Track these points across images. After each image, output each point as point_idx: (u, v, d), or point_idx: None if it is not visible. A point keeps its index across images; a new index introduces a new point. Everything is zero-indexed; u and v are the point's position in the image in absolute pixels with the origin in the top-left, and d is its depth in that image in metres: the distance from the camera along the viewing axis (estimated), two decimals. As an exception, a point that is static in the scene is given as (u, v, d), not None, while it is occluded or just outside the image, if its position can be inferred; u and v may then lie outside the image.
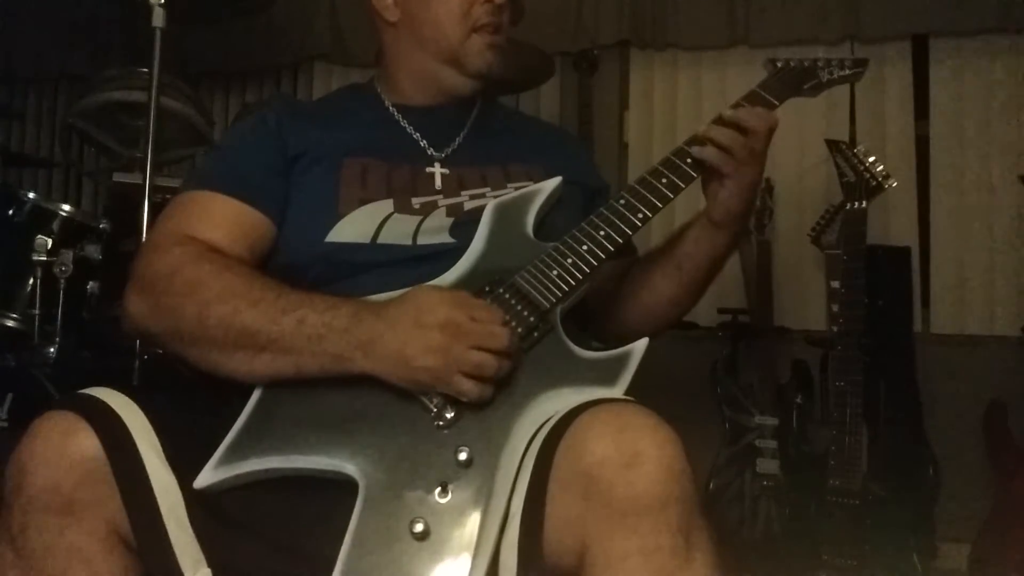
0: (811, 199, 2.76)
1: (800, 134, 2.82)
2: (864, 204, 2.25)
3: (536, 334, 1.04)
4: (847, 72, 1.36)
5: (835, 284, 2.29)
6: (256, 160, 1.22)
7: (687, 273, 1.25)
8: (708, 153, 1.16)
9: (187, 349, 1.08)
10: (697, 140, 1.17)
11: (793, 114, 2.78)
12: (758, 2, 2.85)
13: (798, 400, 2.40)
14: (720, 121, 1.18)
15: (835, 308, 2.28)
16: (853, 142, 2.70)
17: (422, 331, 0.97)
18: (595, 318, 1.35)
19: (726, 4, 2.88)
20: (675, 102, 2.97)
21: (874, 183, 2.24)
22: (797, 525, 2.25)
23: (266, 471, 0.98)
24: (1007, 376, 2.58)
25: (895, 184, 2.29)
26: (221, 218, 1.16)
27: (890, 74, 2.81)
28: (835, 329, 2.26)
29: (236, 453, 0.98)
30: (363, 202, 1.19)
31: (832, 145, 2.33)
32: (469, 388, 0.97)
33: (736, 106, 1.21)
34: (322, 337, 1.00)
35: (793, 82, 1.31)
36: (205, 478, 0.96)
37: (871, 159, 2.26)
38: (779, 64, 1.34)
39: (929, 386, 2.53)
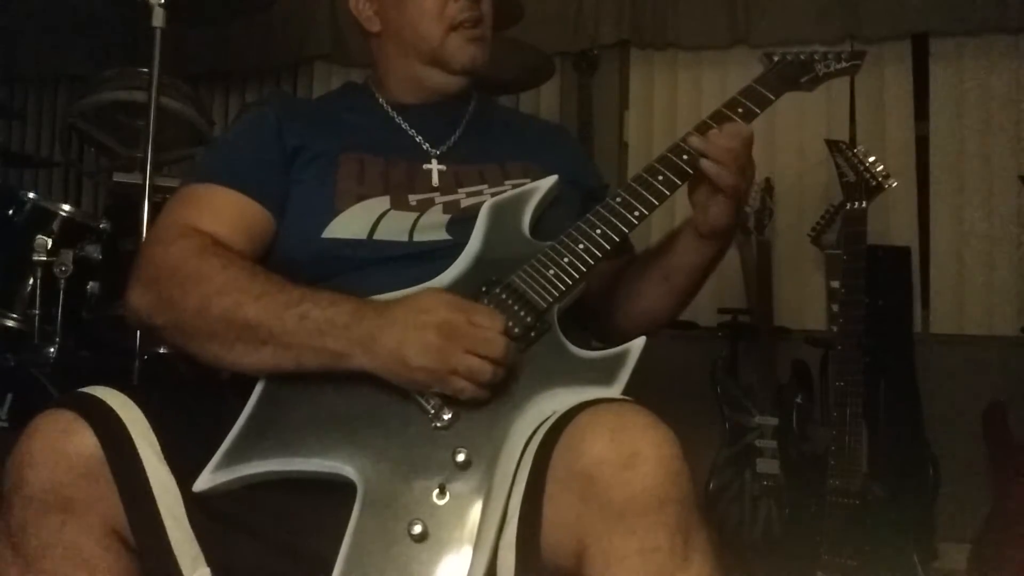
0: (811, 199, 2.76)
1: (800, 134, 2.82)
2: (864, 204, 2.25)
3: (533, 334, 1.04)
4: (844, 65, 1.34)
5: (835, 284, 2.29)
6: (256, 156, 1.22)
7: (674, 283, 1.25)
8: (710, 170, 1.13)
9: (188, 341, 1.08)
10: (681, 149, 1.16)
11: (793, 114, 2.79)
12: (758, 2, 2.85)
13: (798, 400, 2.40)
14: (698, 141, 1.15)
15: (835, 308, 2.28)
16: (853, 142, 2.70)
17: (420, 331, 0.97)
18: (593, 317, 1.35)
19: (726, 4, 2.88)
20: (675, 102, 2.98)
21: (874, 183, 2.24)
22: (797, 525, 2.25)
23: (265, 474, 0.97)
24: (1007, 376, 2.58)
25: (895, 184, 2.29)
26: (224, 211, 1.17)
27: (890, 74, 2.81)
28: (835, 329, 2.26)
29: (235, 456, 0.98)
30: (360, 198, 1.19)
31: (832, 145, 2.33)
32: (464, 387, 0.97)
33: (720, 113, 1.19)
34: (323, 333, 1.00)
35: (790, 76, 1.30)
36: (204, 481, 0.96)
37: (871, 159, 2.26)
38: (776, 58, 1.32)
39: (929, 386, 2.53)
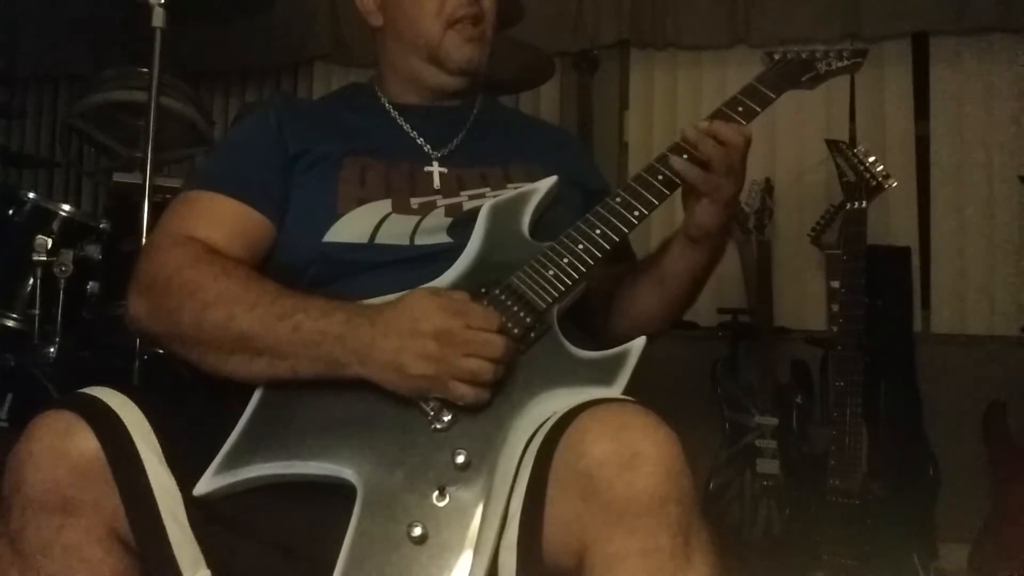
0: (811, 199, 2.76)
1: (800, 134, 2.82)
2: (864, 204, 2.25)
3: (533, 335, 1.04)
4: (845, 63, 1.34)
5: (835, 284, 2.30)
6: (257, 160, 1.22)
7: (667, 288, 1.24)
8: (685, 169, 1.13)
9: (186, 350, 1.08)
10: (678, 148, 1.15)
11: (793, 114, 2.79)
12: (758, 2, 2.85)
13: (798, 400, 2.40)
14: (694, 132, 1.14)
15: (835, 308, 2.28)
16: (853, 142, 2.70)
17: (416, 339, 0.97)
18: (590, 323, 1.35)
19: (726, 4, 2.88)
20: (675, 102, 2.98)
21: (874, 183, 2.24)
22: (797, 525, 2.25)
23: (265, 477, 0.97)
24: (1007, 376, 2.58)
25: (895, 184, 2.29)
26: (221, 219, 1.16)
27: (890, 74, 2.81)
28: (835, 329, 2.26)
29: (235, 460, 0.98)
30: (361, 202, 1.19)
31: (832, 145, 2.33)
32: (465, 392, 0.97)
33: (720, 112, 1.19)
34: (317, 344, 1.00)
35: (791, 74, 1.29)
36: (204, 485, 0.96)
37: (871, 159, 2.26)
38: (776, 57, 1.32)
39: (929, 386, 2.53)
